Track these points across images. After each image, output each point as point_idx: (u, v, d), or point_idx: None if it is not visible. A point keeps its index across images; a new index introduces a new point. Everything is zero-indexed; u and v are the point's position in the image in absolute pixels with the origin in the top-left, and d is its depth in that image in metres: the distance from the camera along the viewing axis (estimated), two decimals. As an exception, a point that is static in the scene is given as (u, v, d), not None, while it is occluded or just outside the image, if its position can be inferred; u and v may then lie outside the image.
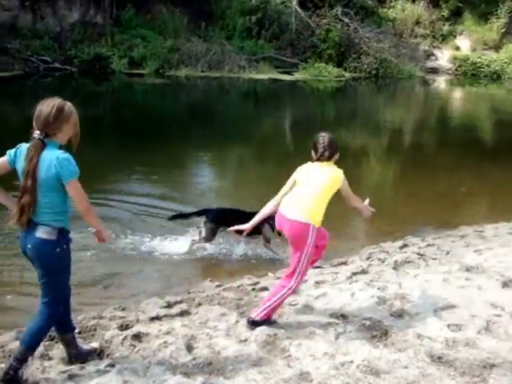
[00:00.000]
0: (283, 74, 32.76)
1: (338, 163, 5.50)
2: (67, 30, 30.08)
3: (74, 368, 4.51)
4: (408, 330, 5.25)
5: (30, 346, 4.30)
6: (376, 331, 5.21)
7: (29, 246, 4.22)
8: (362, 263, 7.41)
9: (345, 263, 7.52)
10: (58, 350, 4.77)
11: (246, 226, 5.71)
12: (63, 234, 4.26)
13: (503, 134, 20.37)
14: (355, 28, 35.27)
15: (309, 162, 5.54)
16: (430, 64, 39.87)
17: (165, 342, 4.95)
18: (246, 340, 5.04)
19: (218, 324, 5.39)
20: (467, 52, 40.44)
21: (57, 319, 4.44)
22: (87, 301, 6.40)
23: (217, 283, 6.67)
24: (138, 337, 5.08)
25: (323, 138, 5.53)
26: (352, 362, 4.66)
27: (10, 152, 4.26)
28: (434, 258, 7.65)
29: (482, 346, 4.93)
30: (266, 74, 31.76)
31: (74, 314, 5.58)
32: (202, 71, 30.76)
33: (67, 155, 4.15)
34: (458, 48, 41.07)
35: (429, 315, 5.61)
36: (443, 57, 40.47)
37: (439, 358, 4.71)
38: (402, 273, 6.97)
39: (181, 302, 6.01)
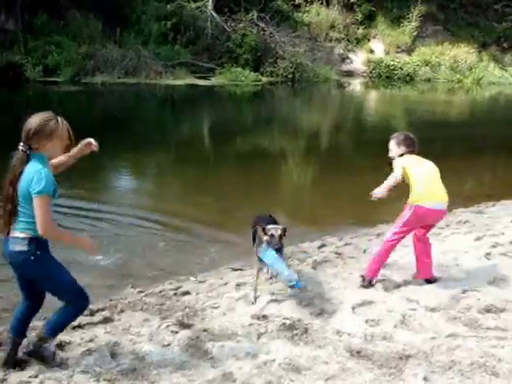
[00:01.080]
0: (200, 79, 32.83)
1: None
2: (-23, 37, 29.26)
3: (-5, 382, 4.43)
4: (327, 327, 5.40)
5: (53, 334, 4.56)
6: (296, 330, 5.33)
7: (7, 257, 4.37)
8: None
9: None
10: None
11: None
12: (35, 242, 4.30)
13: (416, 134, 20.88)
14: (271, 32, 35.67)
15: (406, 155, 6.42)
16: (345, 67, 40.72)
17: (88, 350, 4.93)
18: (169, 344, 5.07)
19: (140, 330, 5.40)
20: (381, 55, 41.56)
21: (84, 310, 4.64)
22: (6, 311, 6.25)
23: (138, 289, 6.64)
24: (60, 346, 5.01)
25: (412, 135, 6.62)
26: (274, 360, 4.76)
27: None
28: (352, 257, 7.84)
29: (398, 338, 5.12)
30: (183, 80, 31.74)
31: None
32: (119, 78, 30.48)
33: (45, 171, 4.22)
34: (372, 51, 42.12)
35: (347, 312, 5.78)
36: (358, 60, 41.41)
37: (358, 352, 4.87)
38: (320, 272, 7.13)
39: (103, 309, 5.96)
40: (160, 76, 31.40)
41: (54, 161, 4.66)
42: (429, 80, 40.46)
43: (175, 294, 6.36)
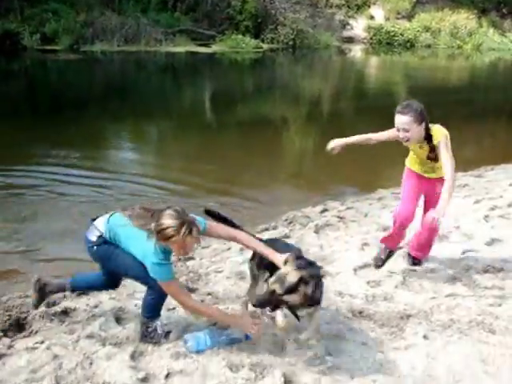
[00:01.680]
0: (201, 46, 32.64)
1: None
2: (-29, 5, 28.94)
3: (2, 347, 4.51)
4: (329, 288, 5.46)
5: (150, 316, 4.58)
6: (299, 292, 5.40)
7: None
8: (284, 228, 7.60)
9: (267, 229, 7.68)
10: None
11: None
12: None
13: (416, 99, 20.86)
14: (271, -1, 35.36)
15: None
16: (345, 34, 40.47)
17: (93, 316, 5.01)
18: (174, 308, 5.13)
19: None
20: (381, 21, 41.25)
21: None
22: (11, 281, 6.35)
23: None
24: (65, 312, 5.12)
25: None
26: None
27: None
28: (353, 220, 7.91)
29: (398, 299, 5.20)
30: (183, 47, 31.57)
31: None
32: (118, 46, 30.30)
33: None
34: (372, 17, 41.79)
35: (349, 274, 5.86)
36: (358, 26, 41.13)
37: (360, 312, 4.96)
38: (323, 235, 7.21)
39: (107, 276, 6.04)
40: (160, 43, 31.22)
41: None
42: (429, 46, 40.24)
43: (179, 260, 6.42)
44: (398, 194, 9.39)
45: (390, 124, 5.39)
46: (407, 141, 5.31)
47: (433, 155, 5.37)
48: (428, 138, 5.29)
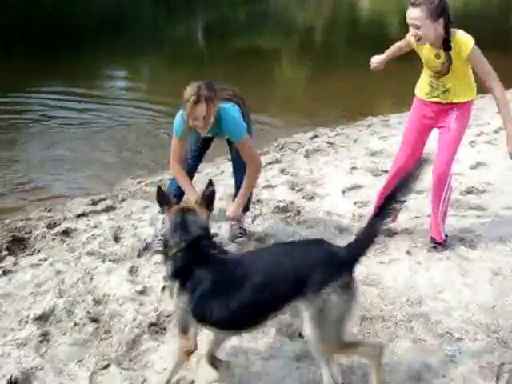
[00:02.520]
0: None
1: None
2: None
3: (8, 264, 4.75)
4: (318, 209, 5.71)
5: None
6: (289, 212, 5.64)
7: None
8: (275, 154, 7.78)
9: (259, 154, 7.86)
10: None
11: None
12: None
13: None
14: None
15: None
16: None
17: (93, 235, 5.25)
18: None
19: (142, 216, 5.70)
20: None
21: None
22: (12, 205, 6.58)
23: (138, 180, 6.93)
24: (66, 232, 5.36)
25: None
26: (267, 235, 5.11)
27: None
28: (343, 146, 8.10)
29: (384, 218, 5.43)
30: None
31: (0, 217, 5.84)
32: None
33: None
34: None
35: (337, 195, 6.09)
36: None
37: (346, 229, 5.20)
38: (313, 160, 7.40)
39: (105, 199, 6.27)
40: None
41: None
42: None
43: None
44: (386, 120, 9.63)
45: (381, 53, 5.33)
46: (419, 40, 4.36)
47: (447, 69, 4.47)
48: (446, 44, 4.34)
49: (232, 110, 4.54)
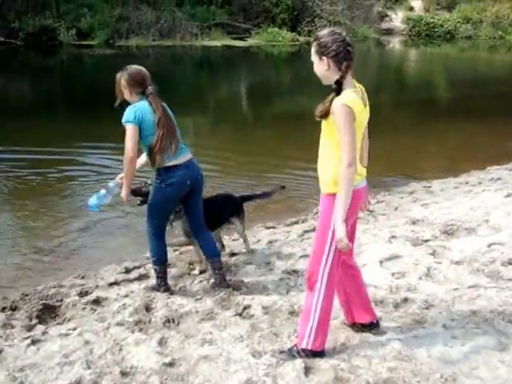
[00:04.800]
0: (236, 40, 32.80)
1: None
2: (9, 1, 29.47)
3: (37, 333, 4.72)
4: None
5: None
6: (324, 283, 5.50)
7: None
8: (313, 222, 7.68)
9: (297, 222, 7.80)
10: (19, 321, 4.98)
11: None
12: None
13: (456, 92, 20.85)
14: (308, -9, 35.33)
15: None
16: (384, 25, 40.32)
17: (124, 304, 5.20)
18: (201, 298, 5.29)
19: (175, 284, 5.64)
20: (421, 13, 40.89)
21: None
22: (47, 270, 6.58)
23: (174, 247, 6.90)
24: (97, 301, 5.33)
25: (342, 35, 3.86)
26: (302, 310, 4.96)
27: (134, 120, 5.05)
28: (383, 214, 7.96)
29: (421, 290, 5.27)
30: (218, 41, 31.79)
31: (34, 283, 5.86)
32: (154, 40, 30.66)
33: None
34: (411, 9, 41.56)
35: (375, 266, 5.93)
36: (397, 18, 40.97)
37: (381, 302, 5.04)
38: (351, 229, 7.27)
39: (139, 267, 6.23)
40: (195, 37, 31.50)
41: None
42: (469, 37, 39.77)
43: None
44: (429, 187, 9.48)
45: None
46: None
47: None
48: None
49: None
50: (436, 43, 38.23)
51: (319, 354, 4.14)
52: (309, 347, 4.11)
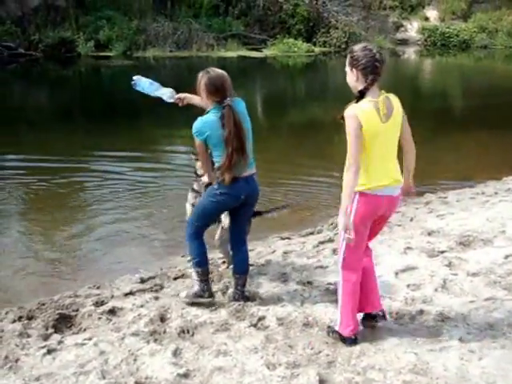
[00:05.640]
0: (252, 51, 32.91)
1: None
2: (29, 15, 29.77)
3: (53, 343, 4.74)
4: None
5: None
6: (339, 295, 5.49)
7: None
8: (328, 232, 7.67)
9: (312, 233, 7.79)
10: (35, 330, 5.00)
11: None
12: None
13: (473, 102, 20.75)
14: (323, 2, 35.46)
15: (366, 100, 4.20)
16: (399, 36, 40.24)
17: (139, 315, 5.20)
18: (216, 309, 5.29)
19: (189, 295, 5.64)
20: (436, 22, 40.78)
21: None
22: (63, 280, 6.61)
23: (188, 258, 6.89)
24: (113, 311, 5.33)
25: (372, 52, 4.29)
26: (317, 323, 4.95)
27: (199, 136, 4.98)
28: (399, 225, 7.93)
29: (437, 302, 5.24)
30: (234, 52, 31.87)
31: (50, 293, 5.88)
32: (170, 51, 30.81)
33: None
34: (426, 19, 41.41)
35: (390, 277, 5.90)
36: (412, 28, 40.83)
37: (397, 313, 5.02)
38: (367, 240, 7.25)
39: (154, 277, 6.23)
40: (212, 48, 31.58)
41: None
42: (485, 47, 39.57)
43: (224, 262, 6.55)
44: (444, 198, 9.43)
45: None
46: None
47: None
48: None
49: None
50: (451, 53, 38.12)
51: (345, 340, 4.51)
52: (338, 330, 4.56)
